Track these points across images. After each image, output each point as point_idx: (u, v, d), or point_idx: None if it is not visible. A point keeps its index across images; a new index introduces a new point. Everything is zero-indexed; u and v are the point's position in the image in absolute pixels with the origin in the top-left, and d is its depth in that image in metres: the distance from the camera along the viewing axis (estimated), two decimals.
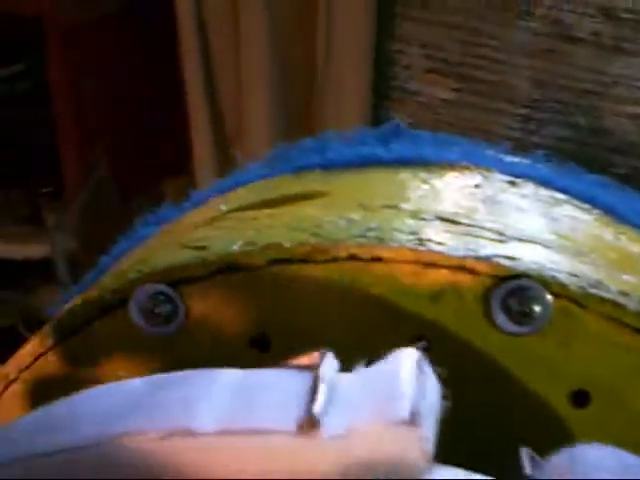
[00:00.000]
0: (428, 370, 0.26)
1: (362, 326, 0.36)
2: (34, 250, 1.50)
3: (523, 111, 1.30)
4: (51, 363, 0.39)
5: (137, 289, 0.37)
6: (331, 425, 0.24)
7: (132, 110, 1.48)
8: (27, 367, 0.40)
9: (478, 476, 0.26)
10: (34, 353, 0.40)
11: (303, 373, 0.26)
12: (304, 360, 0.27)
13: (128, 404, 0.26)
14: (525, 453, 0.26)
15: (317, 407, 0.24)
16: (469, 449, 0.31)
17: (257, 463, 0.24)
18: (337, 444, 0.24)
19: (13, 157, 1.52)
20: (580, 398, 0.35)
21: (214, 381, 0.26)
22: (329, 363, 0.27)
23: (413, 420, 0.23)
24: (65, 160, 1.48)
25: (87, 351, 0.39)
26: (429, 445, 0.24)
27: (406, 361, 0.26)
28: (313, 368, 0.26)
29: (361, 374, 0.26)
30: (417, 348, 0.27)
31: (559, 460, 0.26)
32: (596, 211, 0.49)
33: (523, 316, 0.35)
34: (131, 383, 0.28)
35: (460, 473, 0.26)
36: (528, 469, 0.26)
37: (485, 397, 0.36)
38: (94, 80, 1.44)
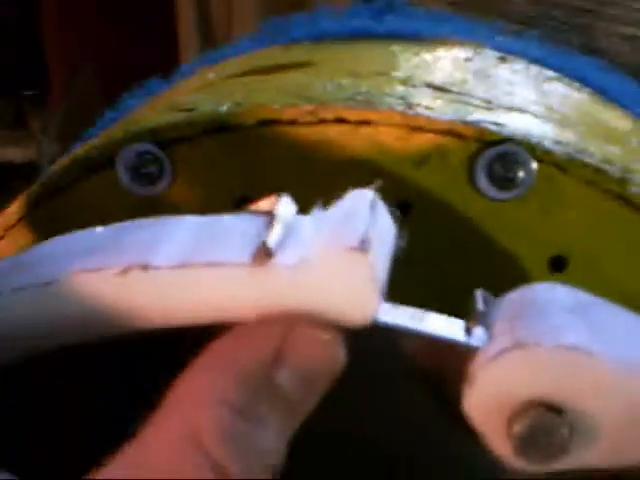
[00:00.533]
0: (381, 209, 0.27)
1: (347, 188, 0.36)
2: (18, 154, 1.49)
3: (517, 27, 1.28)
4: (37, 221, 0.40)
5: (124, 147, 0.37)
6: (285, 257, 0.25)
7: (118, 10, 1.44)
8: (13, 226, 0.40)
9: (432, 314, 0.26)
10: (20, 212, 0.40)
11: (261, 216, 0.27)
12: (263, 204, 0.27)
13: (89, 246, 0.27)
14: (479, 293, 0.27)
15: (271, 240, 0.25)
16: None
17: (211, 295, 0.25)
18: (290, 273, 0.24)
19: None
20: (558, 263, 0.36)
21: (175, 225, 0.27)
22: (286, 205, 0.27)
23: (362, 247, 0.24)
24: (50, 64, 1.45)
25: (72, 210, 0.39)
26: (379, 273, 0.24)
27: (360, 199, 0.27)
28: (271, 211, 0.27)
29: (317, 215, 0.27)
30: (372, 189, 0.27)
31: (512, 297, 0.26)
32: (586, 90, 0.49)
33: (507, 181, 0.35)
34: (95, 230, 0.28)
35: (413, 313, 0.26)
36: (480, 305, 0.26)
37: (466, 261, 0.37)
38: None
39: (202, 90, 0.44)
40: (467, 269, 0.36)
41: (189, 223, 0.28)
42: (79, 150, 0.40)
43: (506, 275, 0.37)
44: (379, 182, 0.28)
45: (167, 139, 0.37)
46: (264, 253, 0.25)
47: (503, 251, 0.36)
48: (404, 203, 0.36)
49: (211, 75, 0.49)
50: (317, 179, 0.36)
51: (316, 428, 0.26)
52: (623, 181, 0.35)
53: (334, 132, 0.36)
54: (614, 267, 0.36)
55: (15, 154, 1.49)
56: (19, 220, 0.40)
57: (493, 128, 0.35)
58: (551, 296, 0.26)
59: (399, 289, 0.27)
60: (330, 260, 0.24)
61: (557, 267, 0.36)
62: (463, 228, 0.36)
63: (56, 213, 0.39)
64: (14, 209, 0.40)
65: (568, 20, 1.22)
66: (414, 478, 0.28)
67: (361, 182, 0.37)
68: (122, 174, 0.38)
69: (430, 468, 0.28)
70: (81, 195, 0.39)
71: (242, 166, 0.37)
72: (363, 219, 0.26)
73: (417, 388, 0.27)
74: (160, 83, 0.58)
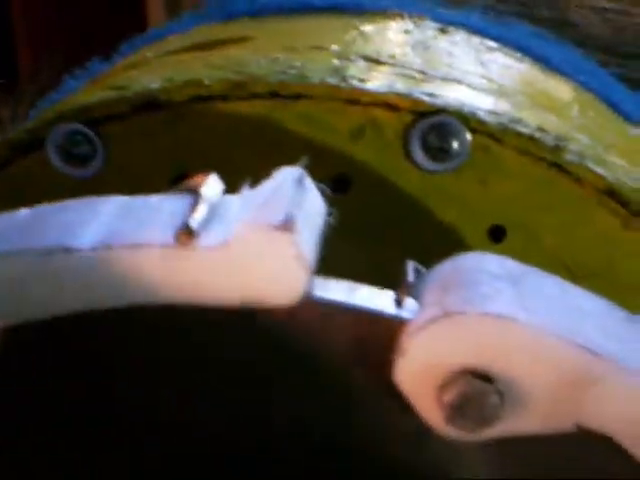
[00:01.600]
0: (309, 184, 0.26)
1: (281, 165, 0.36)
2: None
3: (487, 2, 1.28)
4: None
5: (54, 127, 0.37)
6: (208, 238, 0.24)
7: None
8: None
9: (364, 287, 0.26)
10: None
11: (187, 196, 0.26)
12: (190, 183, 0.27)
13: (13, 228, 0.26)
14: (410, 265, 0.27)
15: (194, 221, 0.24)
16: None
17: (133, 277, 0.24)
18: (213, 254, 0.24)
19: None
20: (497, 234, 0.36)
21: (100, 205, 0.26)
22: (212, 184, 0.27)
23: (286, 226, 0.24)
24: (18, 52, 1.43)
25: (6, 194, 0.38)
26: (305, 251, 0.24)
27: (286, 177, 0.26)
28: (197, 191, 0.26)
29: (244, 194, 0.26)
30: (299, 166, 0.27)
31: (442, 267, 0.26)
32: (528, 59, 0.49)
33: (441, 153, 0.35)
34: (17, 213, 0.27)
35: (344, 287, 0.26)
36: (411, 277, 0.26)
37: (404, 235, 0.36)
38: None
39: (137, 68, 0.44)
40: (405, 242, 0.36)
41: (115, 203, 0.27)
42: (12, 133, 0.40)
43: (445, 247, 0.36)
44: (306, 159, 0.27)
45: (97, 118, 0.37)
46: (187, 234, 0.24)
47: (441, 223, 0.36)
48: (342, 178, 0.36)
49: (149, 53, 0.48)
50: (251, 155, 0.36)
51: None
52: (557, 149, 0.35)
53: (267, 107, 0.35)
54: (552, 237, 0.36)
55: None
56: None
57: (426, 99, 0.35)
58: (481, 265, 0.26)
59: (335, 264, 0.27)
60: (253, 240, 0.24)
61: (496, 238, 0.36)
62: (400, 201, 0.36)
63: None
64: None
65: None
66: (350, 454, 0.28)
67: (296, 157, 0.36)
68: (52, 155, 0.37)
69: (365, 442, 0.28)
70: (14, 178, 0.38)
71: (175, 144, 0.36)
72: (288, 197, 0.25)
73: (352, 363, 0.27)
74: (100, 63, 0.57)
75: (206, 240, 0.24)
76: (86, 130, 0.36)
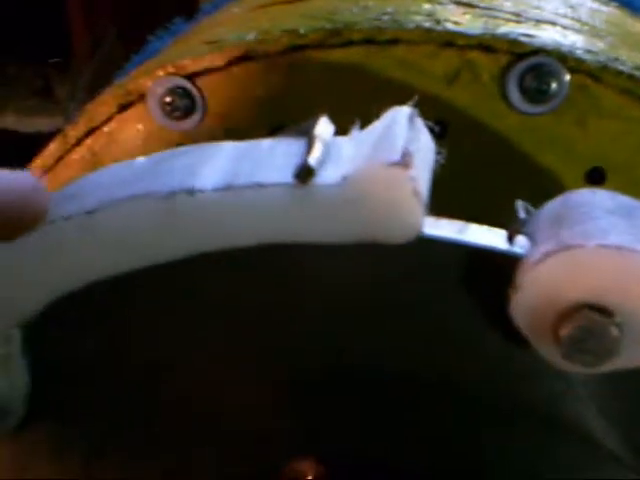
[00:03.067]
0: (421, 124, 0.27)
1: (378, 109, 0.36)
2: (46, 123, 1.48)
3: None
4: (73, 162, 0.40)
5: (154, 82, 0.37)
6: (327, 176, 0.25)
7: None
8: (50, 168, 0.41)
9: (474, 225, 0.26)
10: (56, 154, 0.40)
11: (300, 138, 0.26)
12: (301, 127, 0.27)
13: (132, 175, 0.27)
14: (520, 203, 0.27)
15: (312, 159, 0.25)
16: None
17: (256, 216, 0.25)
18: (333, 191, 0.24)
19: (22, 31, 1.47)
20: (596, 176, 0.36)
21: (217, 150, 0.27)
22: (324, 125, 0.27)
23: (404, 161, 0.24)
24: (73, 30, 1.44)
25: (110, 147, 0.39)
26: (421, 186, 0.24)
27: (398, 116, 0.27)
28: (309, 133, 0.26)
29: (355, 135, 0.27)
30: (410, 105, 0.27)
31: (554, 204, 0.26)
32: (613, 3, 0.48)
33: (539, 94, 0.35)
34: (137, 160, 0.28)
35: (456, 226, 0.26)
36: (522, 214, 0.26)
37: (501, 178, 0.36)
38: None
39: (226, 24, 0.44)
40: (503, 186, 0.36)
41: (228, 148, 0.28)
42: (110, 90, 0.40)
43: (543, 191, 0.36)
44: (415, 99, 0.27)
45: (196, 71, 0.37)
46: (306, 172, 0.25)
47: (539, 167, 0.36)
48: (439, 122, 0.36)
49: (236, 9, 0.49)
50: (348, 102, 0.36)
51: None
52: None
53: (362, 53, 0.35)
54: None
55: (43, 123, 1.49)
56: (58, 160, 0.40)
57: (524, 40, 0.34)
58: (593, 200, 0.26)
59: (438, 206, 0.27)
60: (372, 176, 0.24)
61: (595, 180, 0.36)
62: (498, 144, 0.36)
63: (95, 149, 0.39)
64: (52, 151, 0.40)
65: None
66: (467, 392, 0.29)
67: (392, 102, 0.36)
68: (154, 109, 0.38)
69: (482, 379, 0.28)
70: (114, 134, 0.39)
71: (273, 94, 0.37)
72: (402, 135, 0.26)
73: (465, 301, 0.27)
74: (183, 23, 0.58)
75: (325, 178, 0.25)
76: (185, 83, 0.37)
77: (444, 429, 0.29)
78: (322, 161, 0.26)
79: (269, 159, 0.26)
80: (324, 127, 0.27)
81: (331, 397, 0.30)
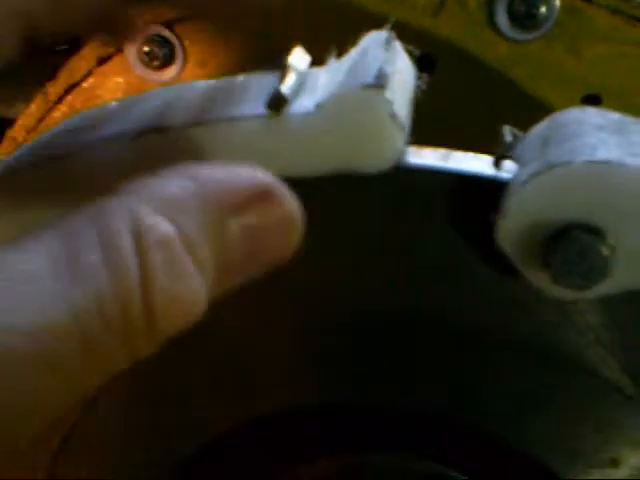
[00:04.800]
0: (398, 47, 0.25)
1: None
2: None
3: None
4: (55, 121, 0.39)
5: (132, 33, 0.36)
6: (301, 105, 0.24)
7: None
8: (33, 129, 0.40)
9: (458, 153, 0.25)
10: (37, 114, 0.40)
11: (275, 72, 0.25)
12: (277, 61, 0.26)
13: (105, 118, 0.26)
14: (507, 127, 0.26)
15: (285, 88, 0.24)
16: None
17: (229, 149, 0.24)
18: (308, 119, 0.23)
19: None
20: (592, 103, 0.35)
21: (189, 88, 0.26)
22: (299, 56, 0.26)
23: (378, 82, 0.23)
24: None
25: (88, 104, 0.38)
26: (399, 109, 0.23)
27: (373, 41, 0.25)
28: (284, 64, 0.25)
29: (332, 64, 0.26)
30: (385, 29, 0.26)
31: (540, 126, 0.25)
32: None
33: (529, 19, 0.33)
34: (109, 104, 0.27)
35: (439, 153, 0.25)
36: (508, 138, 0.25)
37: (494, 109, 0.35)
38: None
39: None
40: (495, 117, 0.35)
41: (201, 85, 0.27)
42: (89, 44, 0.39)
43: (537, 120, 0.35)
44: (392, 21, 0.26)
45: (174, 18, 0.36)
46: (279, 102, 0.24)
47: (533, 95, 0.35)
48: (426, 56, 0.35)
49: None
50: (330, 39, 0.35)
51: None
52: None
53: None
54: None
55: None
56: (40, 120, 0.39)
57: None
58: (582, 118, 0.25)
59: (426, 139, 0.26)
60: (346, 101, 0.23)
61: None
62: (490, 75, 0.35)
63: (76, 106, 0.38)
64: (33, 110, 0.40)
65: None
66: (462, 325, 0.28)
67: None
68: (132, 60, 0.37)
69: (475, 310, 0.27)
70: (97, 86, 0.38)
71: (252, 36, 0.35)
72: (378, 57, 0.24)
73: (453, 231, 0.26)
74: None
75: (299, 107, 0.24)
76: (163, 31, 0.36)
77: (442, 365, 0.29)
78: (296, 91, 0.24)
79: (242, 93, 0.25)
80: (298, 58, 0.26)
81: (331, 339, 0.29)
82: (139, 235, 0.18)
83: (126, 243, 0.18)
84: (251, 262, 0.20)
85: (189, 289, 0.19)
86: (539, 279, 0.24)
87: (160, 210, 0.19)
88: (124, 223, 0.18)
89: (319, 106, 0.24)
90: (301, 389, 0.31)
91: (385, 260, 0.26)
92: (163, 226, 0.19)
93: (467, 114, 0.35)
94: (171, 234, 0.19)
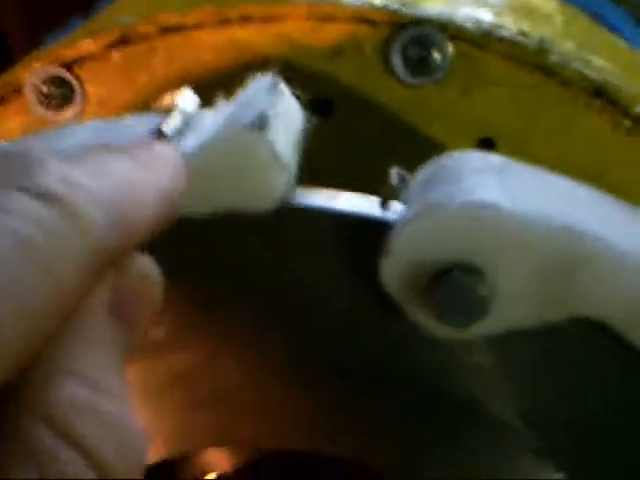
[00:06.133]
0: (283, 89, 0.26)
1: None
2: None
3: None
4: None
5: (31, 73, 0.36)
6: (185, 145, 0.24)
7: None
8: None
9: (347, 193, 0.26)
10: None
11: (163, 112, 0.26)
12: (166, 100, 0.26)
13: None
14: (394, 170, 0.26)
15: (167, 127, 0.24)
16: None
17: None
18: (188, 160, 0.23)
19: None
20: (486, 146, 0.35)
21: (76, 129, 0.26)
22: (186, 97, 0.26)
23: (259, 123, 0.23)
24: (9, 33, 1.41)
25: None
26: (282, 150, 0.23)
27: (259, 84, 0.26)
28: (171, 106, 0.25)
29: (220, 106, 0.26)
30: (271, 73, 0.26)
31: (426, 168, 0.26)
32: None
33: (423, 64, 0.34)
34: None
35: (328, 194, 0.25)
36: (395, 181, 0.26)
37: (392, 151, 0.36)
38: None
39: (109, 12, 0.43)
40: (393, 159, 0.36)
41: (90, 125, 0.27)
42: None
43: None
44: (278, 64, 0.27)
45: (73, 59, 0.36)
46: (159, 140, 0.24)
47: (428, 138, 0.36)
48: (323, 100, 0.35)
49: (126, 1, 0.48)
50: (228, 84, 0.35)
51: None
52: (541, 51, 0.34)
53: (242, 33, 0.35)
54: (542, 144, 0.35)
55: None
56: None
57: (403, 10, 0.34)
58: (463, 161, 0.25)
59: (323, 180, 0.27)
60: (227, 140, 0.24)
61: (486, 150, 0.36)
62: (386, 118, 0.35)
63: None
64: None
65: None
66: (353, 364, 0.28)
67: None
68: (32, 100, 0.36)
69: (363, 352, 0.27)
70: None
71: (151, 79, 0.36)
72: (262, 100, 0.25)
73: (336, 268, 0.26)
74: (81, 18, 0.56)
75: (182, 147, 0.24)
76: (62, 72, 0.36)
77: (339, 408, 0.29)
78: (181, 131, 0.25)
79: (127, 132, 0.25)
80: (186, 99, 0.26)
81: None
82: None
83: None
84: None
85: None
86: (423, 318, 0.24)
87: None
88: None
89: (201, 147, 0.24)
90: None
91: (272, 297, 0.26)
92: None
93: (362, 156, 0.35)
94: None
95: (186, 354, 0.29)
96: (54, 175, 0.18)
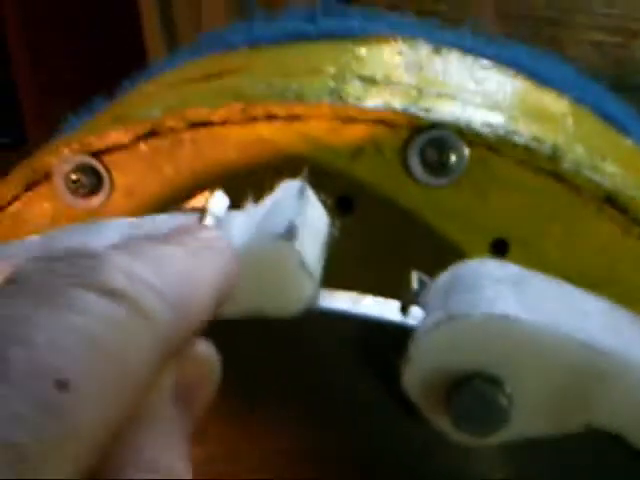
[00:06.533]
0: (310, 195, 0.27)
1: None
2: None
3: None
4: None
5: (60, 160, 0.37)
6: None
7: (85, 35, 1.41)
8: None
9: (369, 297, 0.26)
10: None
11: (193, 212, 0.27)
12: (196, 202, 0.27)
13: (25, 253, 0.26)
14: (414, 274, 0.27)
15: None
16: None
17: None
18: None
19: None
20: (499, 247, 0.37)
21: (106, 226, 0.27)
22: (218, 200, 0.27)
23: (288, 234, 0.24)
24: (25, 109, 1.43)
25: (13, 229, 0.39)
26: (309, 259, 0.24)
27: (287, 190, 0.27)
28: (203, 207, 0.27)
29: (248, 208, 0.27)
30: (300, 179, 0.28)
31: (445, 274, 0.27)
32: (522, 76, 0.50)
33: (440, 167, 0.35)
34: (31, 238, 0.28)
35: (349, 297, 0.26)
36: (415, 285, 0.26)
37: (408, 251, 0.37)
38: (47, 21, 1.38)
39: (137, 101, 0.44)
40: (410, 259, 0.37)
41: (120, 223, 0.28)
42: (16, 170, 0.40)
43: (446, 262, 0.37)
44: (306, 171, 0.28)
45: (102, 149, 0.37)
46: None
47: (443, 238, 0.37)
48: (344, 198, 0.37)
49: (150, 87, 0.49)
50: (252, 179, 0.36)
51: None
52: (554, 158, 0.35)
53: (266, 130, 0.36)
54: (554, 248, 0.37)
55: None
56: None
57: (422, 114, 0.35)
58: (482, 270, 0.26)
59: (342, 283, 0.27)
60: (257, 249, 0.25)
61: (499, 252, 0.37)
62: (403, 218, 0.36)
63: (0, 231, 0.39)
64: None
65: (536, 32, 1.23)
66: (355, 461, 0.28)
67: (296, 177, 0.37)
68: (60, 187, 0.38)
69: (374, 452, 0.28)
70: (20, 214, 0.39)
71: (178, 171, 0.37)
72: (290, 207, 0.26)
73: (358, 372, 0.27)
74: (103, 100, 0.58)
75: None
76: (91, 161, 0.37)
77: None
78: None
79: (163, 228, 0.26)
80: (217, 201, 0.27)
81: None
82: None
83: None
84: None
85: None
86: (442, 423, 0.25)
87: None
88: None
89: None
90: None
91: (296, 403, 0.27)
92: None
93: (382, 256, 0.36)
94: None
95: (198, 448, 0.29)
96: (119, 271, 0.19)
